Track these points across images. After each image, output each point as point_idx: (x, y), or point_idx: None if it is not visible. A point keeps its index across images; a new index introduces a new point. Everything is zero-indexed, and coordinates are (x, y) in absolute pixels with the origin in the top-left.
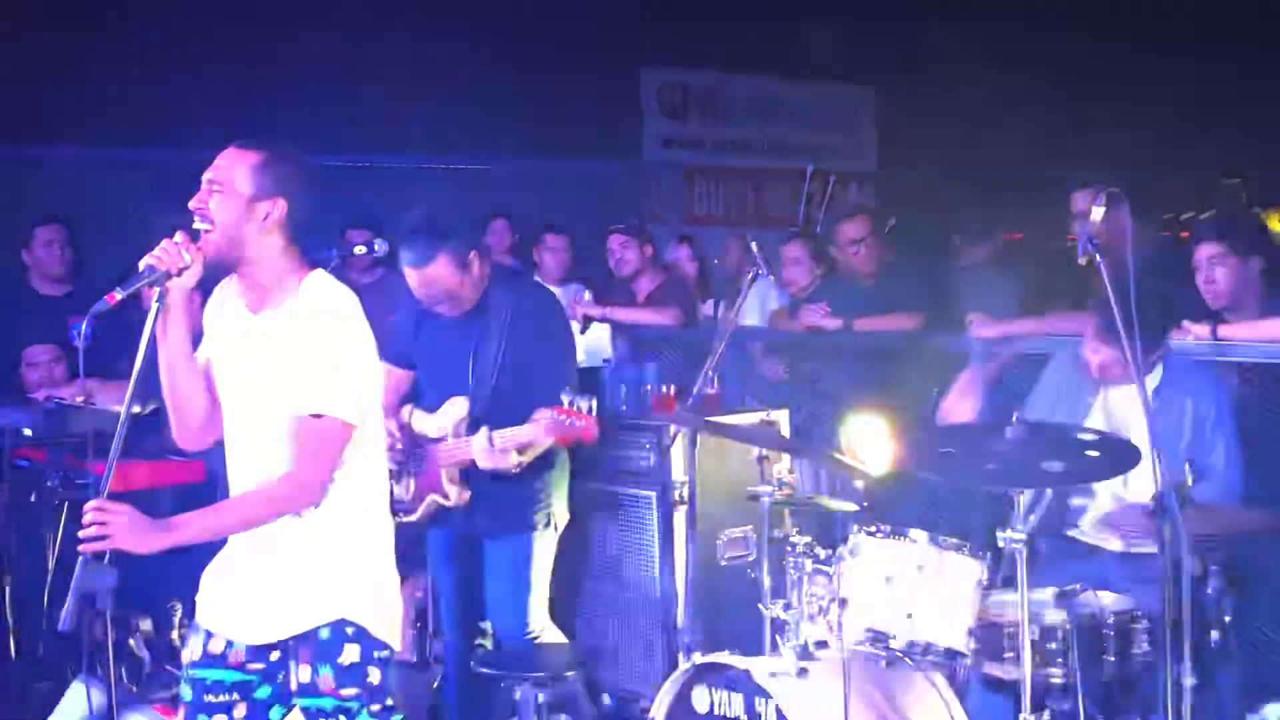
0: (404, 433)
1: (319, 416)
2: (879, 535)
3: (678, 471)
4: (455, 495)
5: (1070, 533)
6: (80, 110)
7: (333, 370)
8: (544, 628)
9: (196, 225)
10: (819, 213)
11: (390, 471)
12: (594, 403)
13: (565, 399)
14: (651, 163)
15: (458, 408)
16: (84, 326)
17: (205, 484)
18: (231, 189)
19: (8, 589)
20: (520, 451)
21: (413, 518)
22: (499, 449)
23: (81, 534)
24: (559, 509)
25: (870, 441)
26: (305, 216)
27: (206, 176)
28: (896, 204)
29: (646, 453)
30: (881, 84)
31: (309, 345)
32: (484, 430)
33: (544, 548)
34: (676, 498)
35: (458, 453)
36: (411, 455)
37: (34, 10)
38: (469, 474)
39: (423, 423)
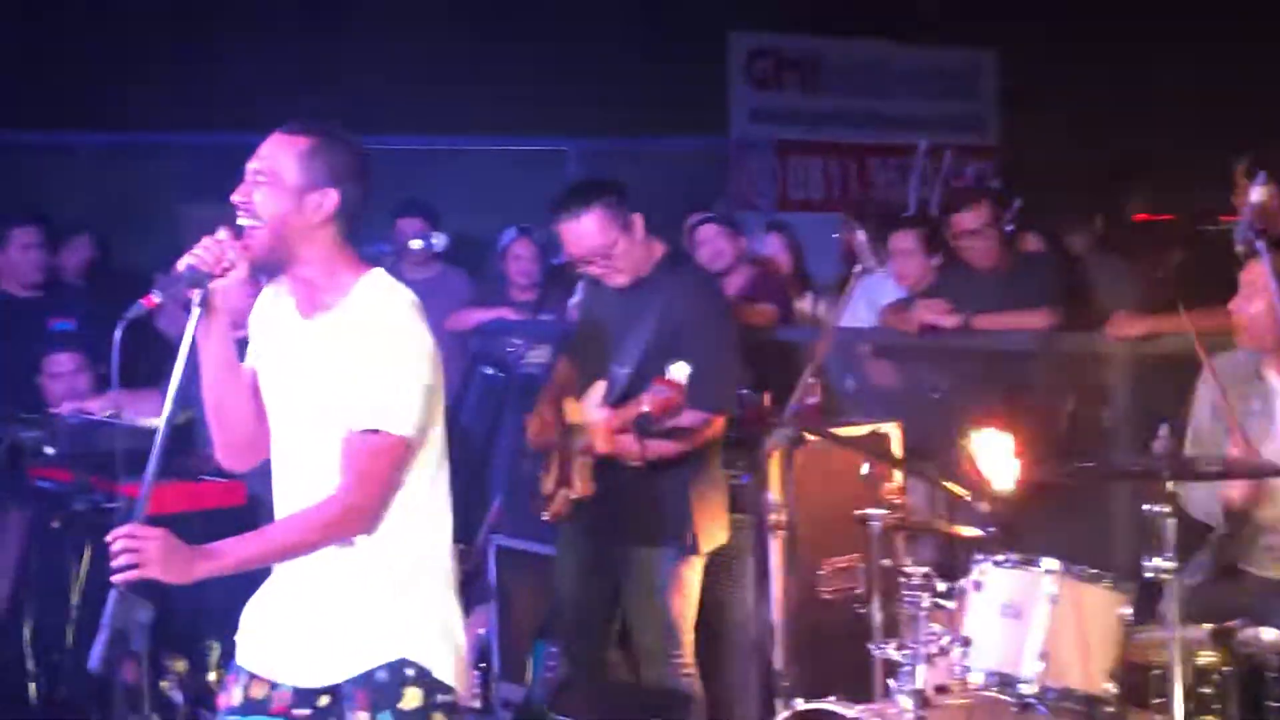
0: (555, 411)
1: (374, 432)
2: (1006, 564)
3: (774, 492)
4: (579, 488)
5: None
6: (99, 93)
7: (390, 381)
8: (690, 655)
9: (240, 221)
10: (934, 195)
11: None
12: (682, 373)
13: (669, 370)
14: (740, 140)
15: (597, 391)
16: (117, 334)
17: (246, 508)
18: (278, 180)
19: (27, 625)
20: (644, 435)
21: (547, 514)
22: (616, 428)
23: (112, 563)
24: (708, 531)
25: (996, 457)
26: (359, 208)
27: (250, 166)
28: (1022, 184)
29: (737, 471)
30: (1004, 46)
31: (364, 353)
32: (605, 409)
33: (688, 567)
34: (773, 522)
35: (586, 440)
36: (559, 446)
37: None
38: (605, 473)
39: (571, 410)
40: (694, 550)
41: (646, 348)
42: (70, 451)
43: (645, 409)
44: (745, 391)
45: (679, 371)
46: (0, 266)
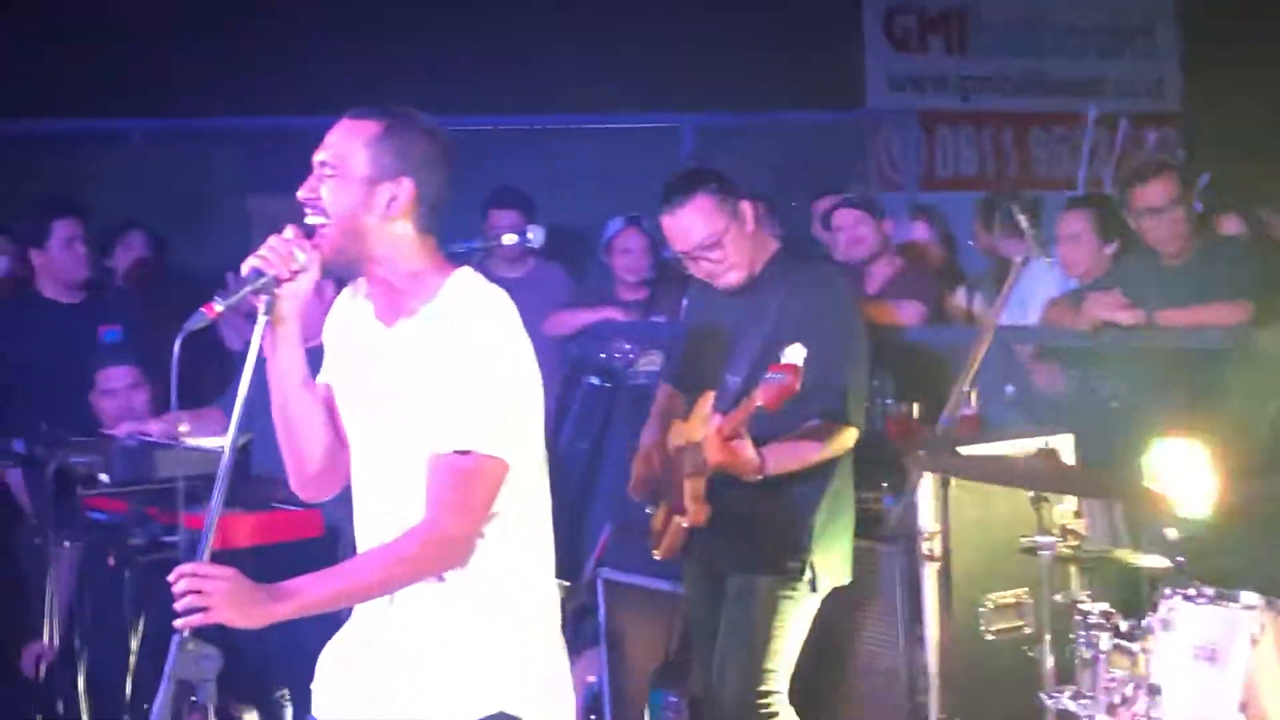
0: (661, 451)
1: (464, 454)
2: (1199, 600)
3: (926, 517)
4: (693, 513)
5: None
6: (152, 73)
7: (481, 395)
8: (781, 704)
9: (309, 219)
10: (1107, 171)
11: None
12: (797, 355)
13: (783, 357)
14: (877, 111)
15: (707, 403)
16: (176, 348)
17: (324, 541)
18: (346, 170)
19: (80, 673)
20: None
21: (658, 552)
22: (728, 435)
23: (176, 605)
24: (826, 564)
25: (1185, 474)
26: (439, 198)
27: (317, 158)
28: (1210, 155)
29: (883, 493)
30: None
31: (452, 364)
32: (715, 415)
33: (792, 602)
34: (926, 552)
35: (701, 455)
36: (666, 476)
37: None
38: (719, 493)
39: (678, 433)
40: (810, 586)
41: (761, 353)
42: (126, 478)
43: (759, 403)
44: (890, 402)
45: (794, 354)
46: (40, 267)
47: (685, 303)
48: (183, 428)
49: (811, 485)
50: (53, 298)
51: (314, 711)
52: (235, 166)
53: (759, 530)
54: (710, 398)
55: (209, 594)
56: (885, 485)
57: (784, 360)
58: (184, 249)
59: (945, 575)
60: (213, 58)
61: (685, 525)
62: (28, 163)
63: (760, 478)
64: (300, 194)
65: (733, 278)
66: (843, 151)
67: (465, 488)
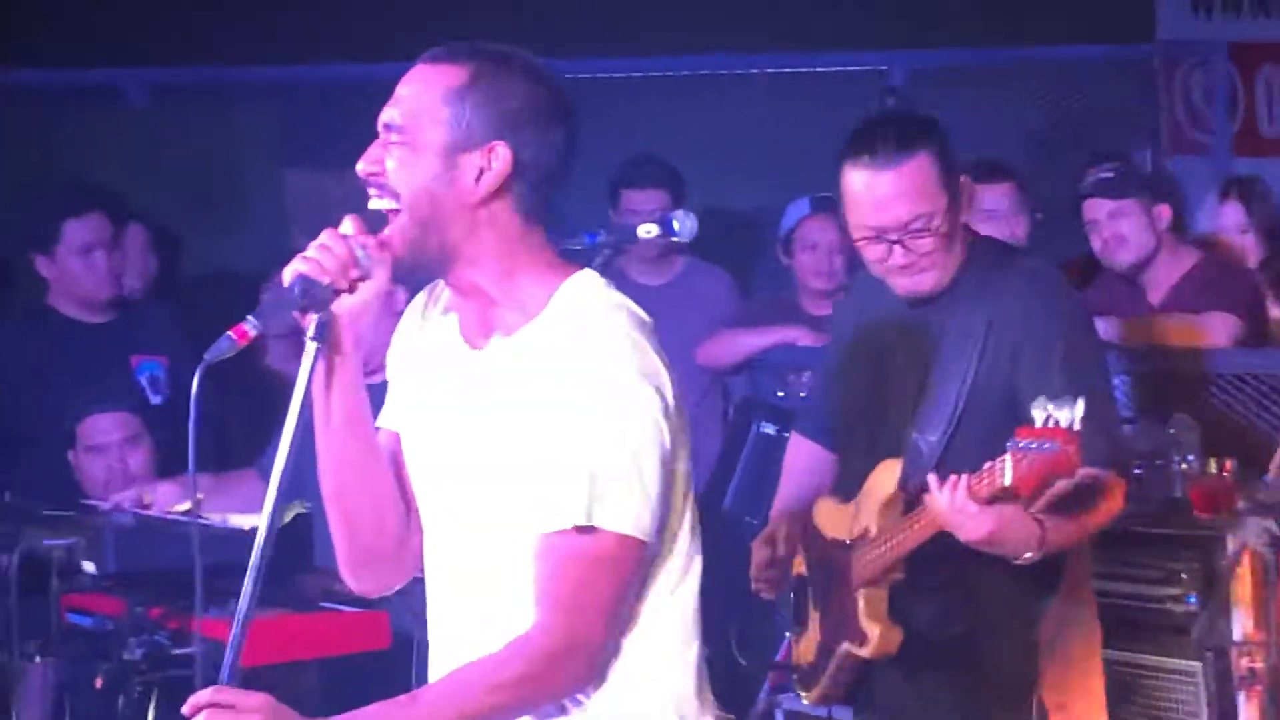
0: (803, 545)
1: (587, 531)
2: None
3: (1244, 622)
4: (876, 640)
5: None
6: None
7: (609, 450)
8: None
9: (373, 203)
10: None
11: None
12: (1076, 413)
13: (1039, 413)
14: (1172, 44)
15: (885, 478)
16: (195, 385)
17: (392, 654)
18: (420, 135)
19: None
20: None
21: (810, 695)
22: (985, 498)
23: None
24: (1065, 697)
25: None
26: (549, 172)
27: (382, 118)
28: None
29: (1179, 587)
30: None
31: (565, 403)
32: (949, 479)
33: None
34: (1244, 672)
35: (889, 550)
36: (815, 582)
37: None
38: (905, 599)
39: (832, 519)
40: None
41: (967, 397)
42: (121, 569)
43: (1006, 484)
44: (1191, 460)
45: (1067, 412)
46: (52, 279)
47: (835, 315)
48: (201, 496)
49: (1033, 582)
50: (72, 316)
51: None
52: (269, 131)
53: (974, 661)
54: (888, 472)
55: None
56: (1184, 577)
57: (1046, 420)
58: (200, 244)
59: (1274, 707)
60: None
61: (865, 655)
62: None
63: (1026, 559)
64: (360, 167)
65: (928, 281)
66: (1119, 103)
67: (590, 578)
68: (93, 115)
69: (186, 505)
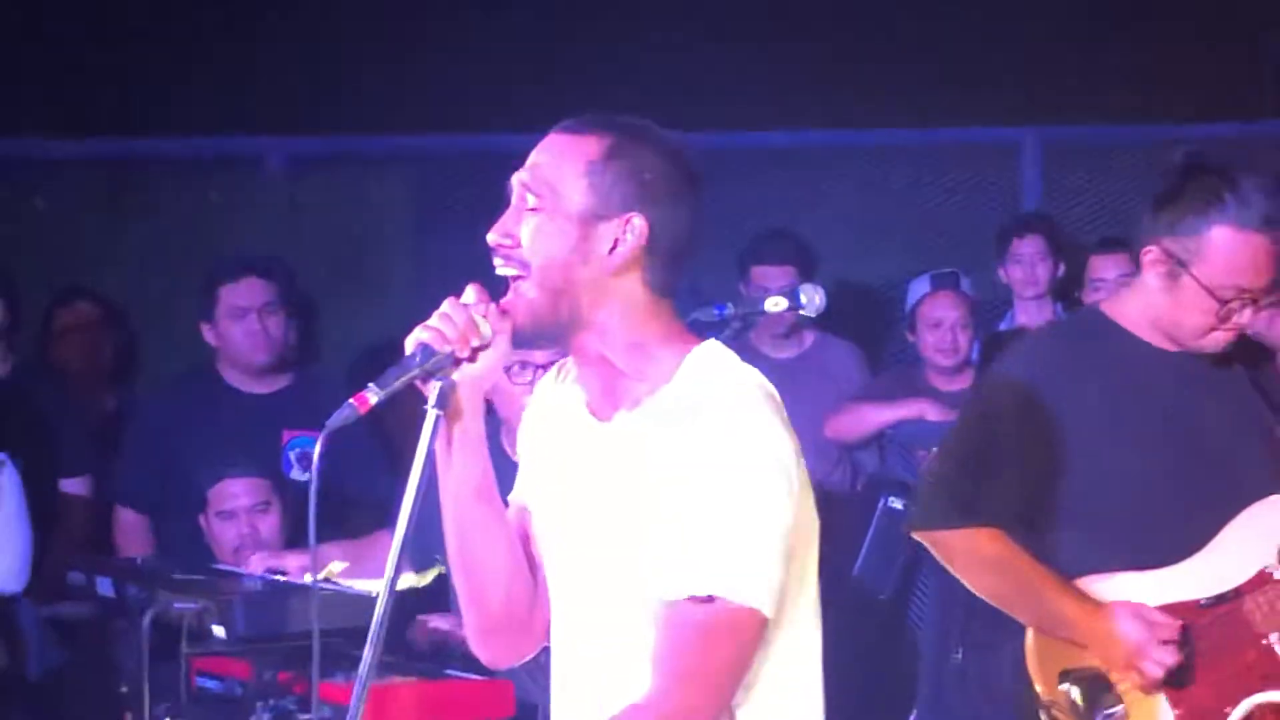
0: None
1: (708, 600)
2: None
3: None
4: None
5: None
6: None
7: (734, 522)
8: None
9: (501, 268)
10: None
11: None
12: None
13: None
14: None
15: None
16: (316, 452)
17: None
18: (556, 203)
19: None
20: None
21: None
22: None
23: None
24: None
25: None
26: (681, 245)
27: (517, 179)
28: None
29: None
30: None
31: (691, 474)
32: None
33: None
34: None
35: None
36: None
37: None
38: None
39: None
40: None
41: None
42: (249, 633)
43: None
44: None
45: None
46: (216, 347)
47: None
48: (336, 566)
49: None
50: (235, 385)
51: None
52: (404, 198)
53: None
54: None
55: None
56: None
57: None
58: (335, 309)
59: None
60: (375, 60)
61: None
62: (125, 193)
63: None
64: (490, 238)
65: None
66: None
67: (707, 648)
68: (230, 183)
69: (324, 573)
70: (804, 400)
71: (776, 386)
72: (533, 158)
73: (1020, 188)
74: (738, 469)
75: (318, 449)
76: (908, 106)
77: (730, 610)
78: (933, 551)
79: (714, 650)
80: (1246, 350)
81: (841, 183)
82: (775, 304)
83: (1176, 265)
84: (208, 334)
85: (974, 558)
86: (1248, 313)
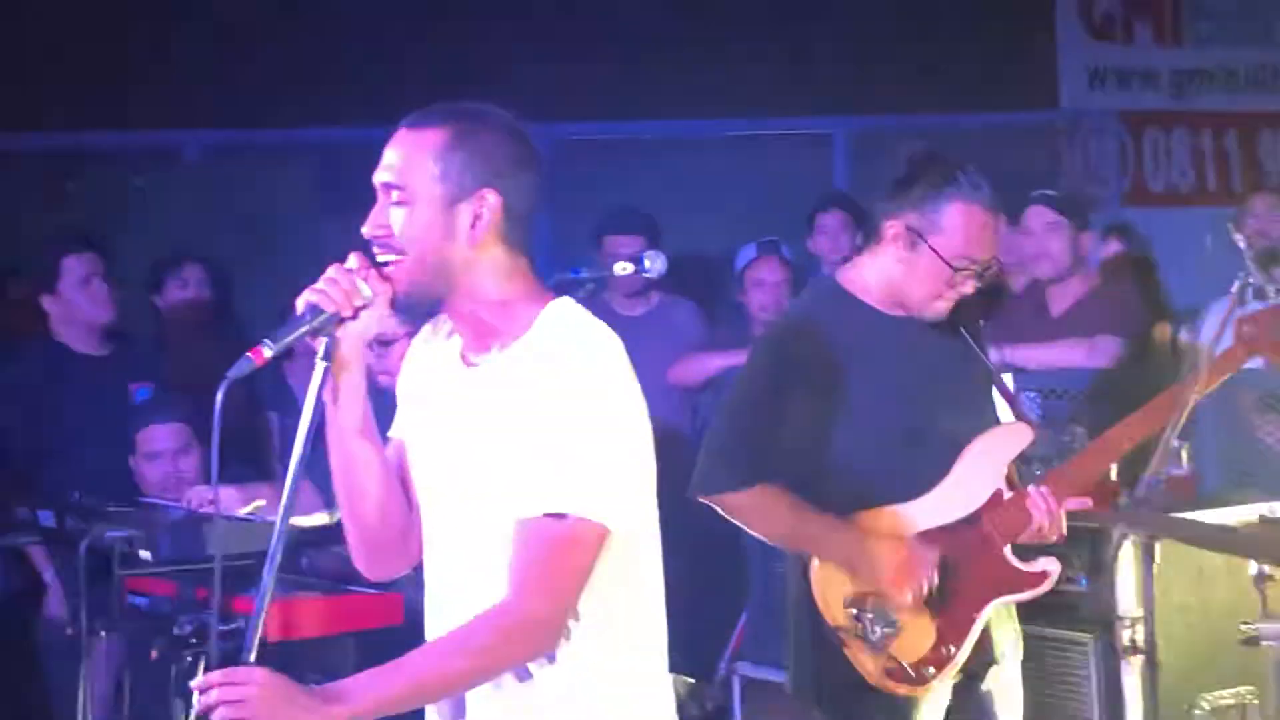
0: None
1: (558, 518)
2: None
3: (1127, 601)
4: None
5: None
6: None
7: (580, 448)
8: None
9: (380, 256)
10: None
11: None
12: None
13: None
14: (1074, 112)
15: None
16: (218, 400)
17: (405, 628)
18: (416, 194)
19: None
20: None
21: (923, 688)
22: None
23: (209, 717)
24: None
25: None
26: (529, 210)
27: (379, 180)
28: None
29: (1074, 570)
30: None
31: (543, 408)
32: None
33: None
34: (1126, 643)
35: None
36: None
37: None
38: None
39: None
40: None
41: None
42: (172, 557)
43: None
44: None
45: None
46: (55, 314)
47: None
48: (259, 502)
49: None
50: (76, 348)
51: None
52: (307, 186)
53: None
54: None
55: (244, 702)
56: (1076, 562)
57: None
58: (248, 284)
59: (1151, 671)
60: (281, 58)
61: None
62: (61, 184)
63: None
64: (366, 230)
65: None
66: (1033, 161)
67: (555, 560)
68: (151, 173)
69: (249, 508)
70: (651, 351)
71: (626, 340)
72: (387, 156)
73: (832, 172)
74: (585, 400)
75: (219, 397)
76: (737, 102)
77: (579, 525)
78: (720, 511)
79: (563, 561)
80: (963, 313)
81: (683, 166)
82: (624, 268)
83: (917, 237)
84: (48, 303)
85: (756, 514)
86: (970, 283)
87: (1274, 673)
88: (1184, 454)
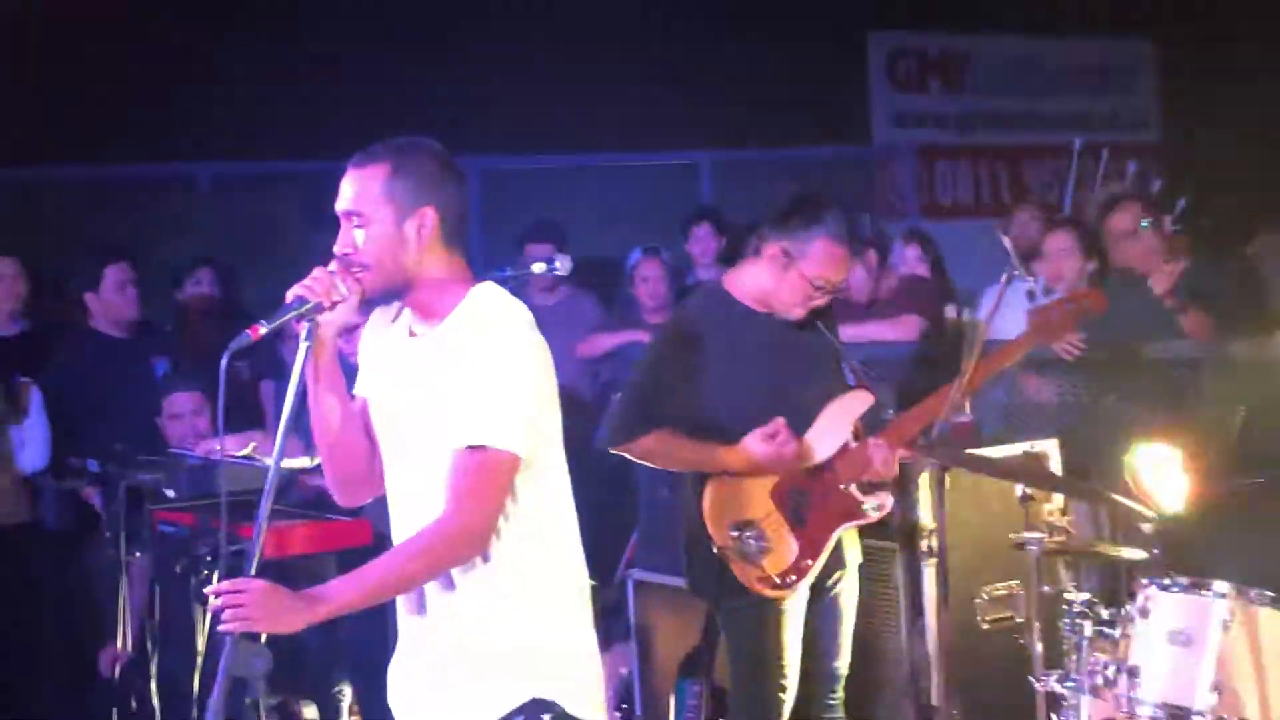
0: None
1: (479, 449)
2: (1174, 589)
3: (924, 518)
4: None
5: None
6: (219, 121)
7: (496, 393)
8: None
9: (353, 270)
10: (1093, 195)
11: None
12: None
13: None
14: (882, 146)
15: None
16: (222, 367)
17: (374, 548)
18: (372, 218)
19: (153, 673)
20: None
21: (788, 591)
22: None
23: (219, 617)
24: None
25: (1162, 474)
26: (461, 213)
27: (340, 209)
28: (1187, 181)
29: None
30: (1164, 36)
31: (469, 364)
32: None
33: None
34: (924, 549)
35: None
36: (790, 500)
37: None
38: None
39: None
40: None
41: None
42: (191, 494)
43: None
44: (891, 412)
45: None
46: (95, 309)
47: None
48: (255, 444)
49: None
50: (106, 333)
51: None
52: (296, 206)
53: None
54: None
55: (246, 607)
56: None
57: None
58: (250, 284)
59: (943, 570)
60: (276, 106)
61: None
62: (104, 206)
63: None
64: (336, 250)
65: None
66: (852, 184)
67: (477, 480)
68: (173, 198)
69: (245, 450)
70: (561, 332)
71: (541, 324)
72: (343, 190)
73: (700, 192)
74: (501, 356)
75: (223, 363)
76: (628, 138)
77: (495, 453)
78: (629, 456)
79: (485, 481)
80: (819, 314)
81: (586, 189)
82: (539, 268)
83: (789, 259)
84: (92, 301)
85: (661, 451)
86: (823, 298)
87: (1033, 568)
88: (967, 406)
